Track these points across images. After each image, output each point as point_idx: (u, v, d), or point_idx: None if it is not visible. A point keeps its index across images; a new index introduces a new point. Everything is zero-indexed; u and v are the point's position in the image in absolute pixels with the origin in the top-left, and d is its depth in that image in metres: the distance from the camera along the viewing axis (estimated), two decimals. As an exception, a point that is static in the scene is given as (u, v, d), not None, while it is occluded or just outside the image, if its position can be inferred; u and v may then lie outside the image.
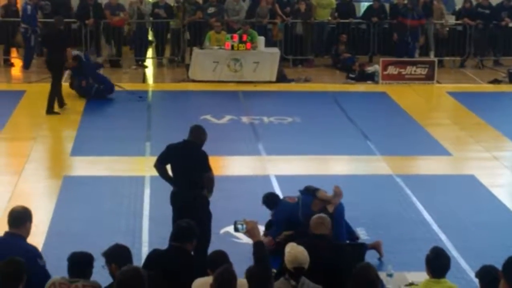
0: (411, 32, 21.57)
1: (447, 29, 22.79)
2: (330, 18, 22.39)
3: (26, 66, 21.02)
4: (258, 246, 6.73)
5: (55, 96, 16.78)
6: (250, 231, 6.80)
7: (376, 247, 10.09)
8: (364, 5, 24.02)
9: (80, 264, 6.76)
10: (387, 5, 22.91)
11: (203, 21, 21.58)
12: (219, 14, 21.61)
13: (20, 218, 7.17)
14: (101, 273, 6.89)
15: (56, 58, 16.74)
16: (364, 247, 9.99)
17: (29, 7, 20.64)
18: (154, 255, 7.37)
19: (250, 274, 6.32)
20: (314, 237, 7.70)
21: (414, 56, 21.70)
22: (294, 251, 6.88)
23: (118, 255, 6.79)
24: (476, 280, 6.61)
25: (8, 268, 6.19)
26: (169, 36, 22.23)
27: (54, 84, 16.76)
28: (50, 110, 16.70)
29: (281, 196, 10.88)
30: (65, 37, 17.46)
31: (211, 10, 21.91)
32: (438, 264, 6.85)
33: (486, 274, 6.48)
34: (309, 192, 10.26)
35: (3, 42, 21.97)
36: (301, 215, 10.02)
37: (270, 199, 10.58)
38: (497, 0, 22.98)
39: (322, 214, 8.23)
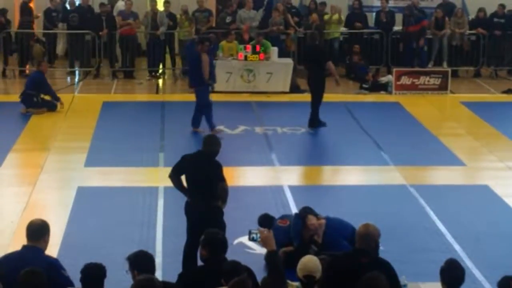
0: (415, 38, 21.61)
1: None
2: (339, 32, 22.42)
3: None
4: (272, 255, 6.74)
5: (317, 111, 16.69)
6: (264, 240, 6.81)
7: None
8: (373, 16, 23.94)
9: (93, 275, 6.78)
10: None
11: (216, 31, 21.61)
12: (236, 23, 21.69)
13: (39, 231, 7.24)
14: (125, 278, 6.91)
15: (316, 74, 16.62)
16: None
17: None
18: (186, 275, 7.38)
19: (263, 284, 6.33)
20: (356, 252, 7.21)
21: (424, 62, 21.79)
22: (306, 259, 6.85)
23: (140, 263, 6.79)
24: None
25: (30, 278, 6.24)
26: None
27: (315, 99, 16.73)
28: (312, 124, 16.74)
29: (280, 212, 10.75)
30: (323, 51, 17.28)
31: (228, 19, 21.96)
32: (452, 276, 6.77)
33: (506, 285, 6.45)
34: (300, 217, 10.07)
35: (19, 52, 21.94)
36: (293, 240, 9.91)
37: (265, 221, 10.33)
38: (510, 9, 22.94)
39: (368, 223, 7.50)
